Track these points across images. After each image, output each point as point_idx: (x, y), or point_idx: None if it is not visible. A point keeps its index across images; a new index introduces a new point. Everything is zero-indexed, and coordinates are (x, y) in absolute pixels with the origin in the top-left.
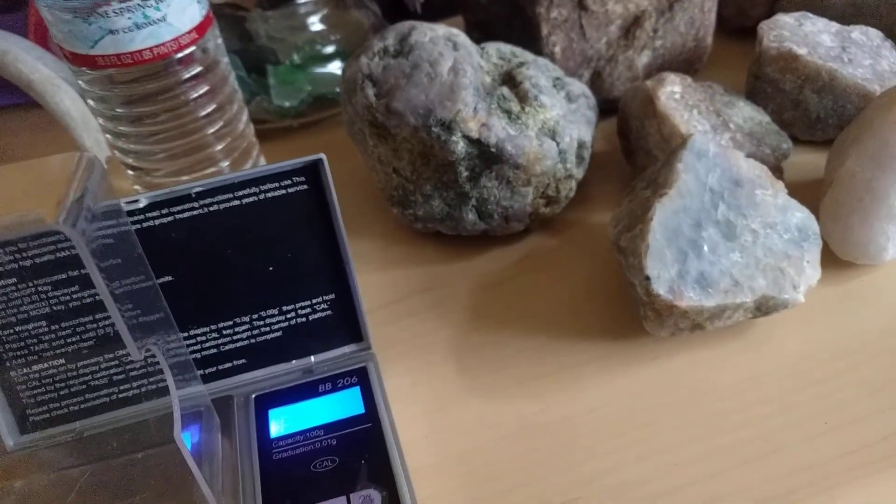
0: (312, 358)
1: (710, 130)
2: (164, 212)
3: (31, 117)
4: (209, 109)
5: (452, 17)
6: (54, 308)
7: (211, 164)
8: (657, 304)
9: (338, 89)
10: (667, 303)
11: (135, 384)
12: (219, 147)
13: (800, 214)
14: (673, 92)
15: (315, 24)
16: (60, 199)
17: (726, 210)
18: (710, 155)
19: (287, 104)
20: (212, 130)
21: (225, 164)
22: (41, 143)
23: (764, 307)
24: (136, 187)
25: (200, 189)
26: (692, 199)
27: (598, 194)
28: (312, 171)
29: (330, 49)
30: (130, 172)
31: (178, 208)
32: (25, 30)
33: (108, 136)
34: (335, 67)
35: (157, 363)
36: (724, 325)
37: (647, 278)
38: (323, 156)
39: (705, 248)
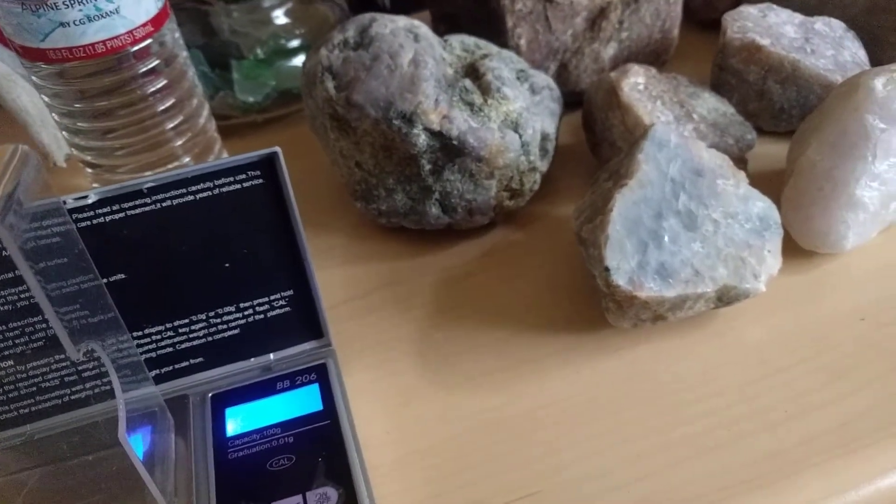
0: (272, 355)
1: (674, 121)
2: (114, 208)
3: None
4: (168, 104)
5: (421, 12)
6: (1, 308)
7: (172, 160)
8: (617, 296)
9: None
10: (627, 294)
11: (87, 385)
12: (179, 143)
13: (761, 204)
14: (636, 83)
15: (279, 17)
16: None
17: (687, 200)
18: (671, 145)
19: (251, 99)
20: (171, 126)
21: (186, 160)
22: (2, 137)
23: (725, 297)
24: (95, 185)
25: (152, 184)
26: (653, 190)
27: (564, 188)
28: (268, 165)
29: (295, 43)
30: (89, 170)
31: (130, 204)
32: None
33: (65, 133)
34: (299, 62)
35: (94, 353)
36: (685, 315)
37: (607, 269)
38: (278, 149)
39: (666, 238)
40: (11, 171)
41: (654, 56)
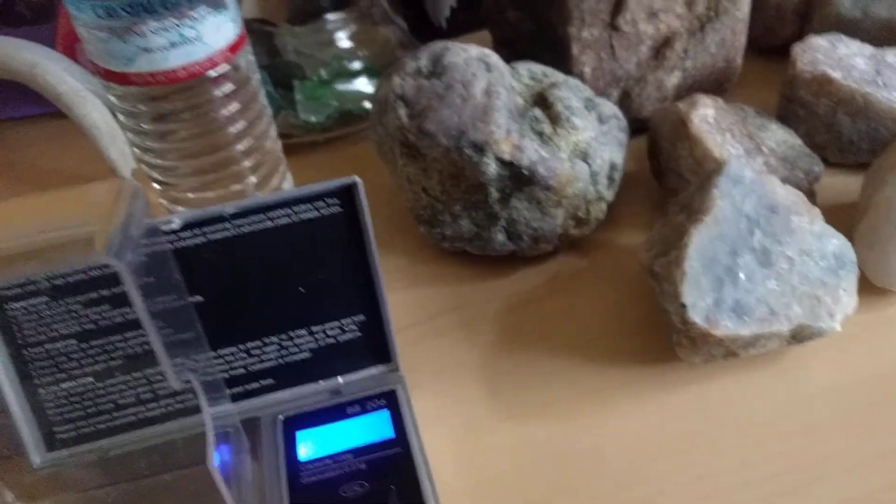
0: (340, 379)
1: (744, 154)
2: (196, 232)
3: (56, 127)
4: (239, 126)
5: (477, 32)
6: (84, 326)
7: (238, 179)
8: (692, 332)
9: (363, 105)
10: (702, 331)
11: (162, 403)
12: (247, 163)
13: (836, 242)
14: (706, 115)
15: (342, 40)
16: (105, 229)
17: (762, 237)
18: (746, 181)
19: (313, 119)
20: (241, 147)
21: (252, 179)
22: (68, 153)
23: (799, 336)
24: (162, 201)
25: (234, 210)
26: (728, 226)
27: (627, 215)
28: (347, 194)
29: (357, 65)
30: (157, 186)
31: (211, 228)
32: (53, 41)
33: (135, 149)
34: (361, 84)
35: (189, 384)
36: (758, 352)
37: (683, 306)
38: (358, 179)
39: (741, 275)
40: (123, 207)
41: (717, 84)
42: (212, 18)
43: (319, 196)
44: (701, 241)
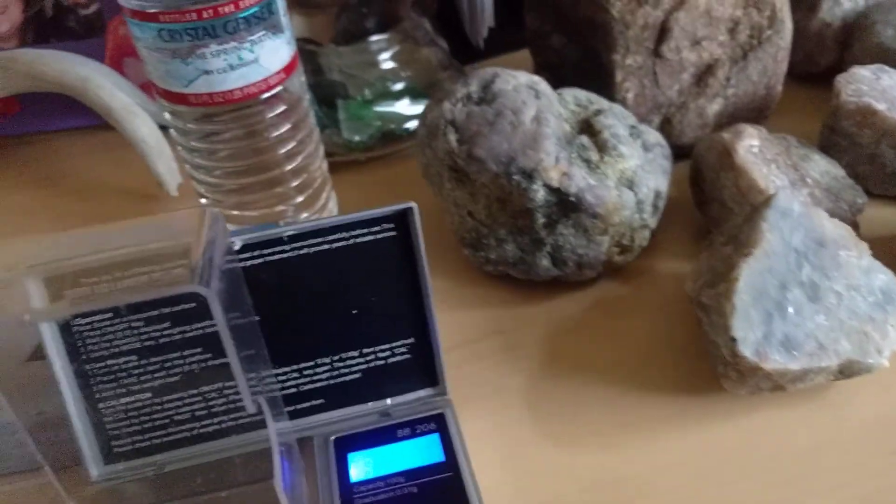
0: (388, 400)
1: (789, 185)
2: (255, 253)
3: (101, 139)
4: (289, 147)
5: (516, 53)
6: (144, 343)
7: (286, 199)
8: (741, 366)
9: (406, 125)
10: (752, 365)
11: (216, 420)
12: (294, 183)
13: (883, 277)
14: (751, 146)
15: (386, 61)
16: (191, 257)
17: (811, 271)
18: (794, 214)
19: (357, 138)
20: (289, 167)
21: (299, 199)
22: (114, 166)
23: (847, 371)
24: None
25: (293, 232)
26: (777, 260)
27: (668, 241)
28: (402, 219)
29: (399, 86)
30: (203, 201)
31: (269, 250)
32: (102, 55)
33: (186, 165)
34: (404, 104)
35: (241, 400)
36: (805, 386)
37: (734, 339)
38: (413, 204)
39: (790, 309)
40: (206, 235)
41: (757, 112)
42: (269, 42)
43: (376, 220)
44: (751, 275)
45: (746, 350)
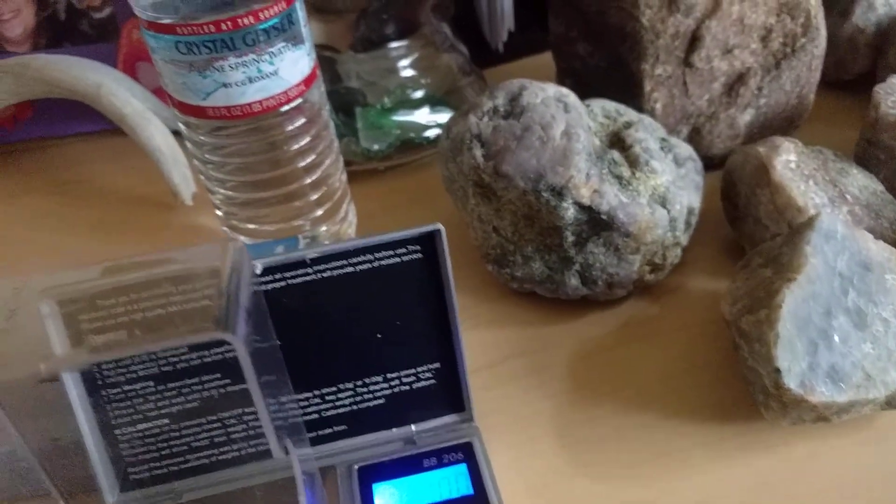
0: (413, 427)
1: (828, 203)
2: (277, 276)
3: (114, 145)
4: (309, 159)
5: (537, 56)
6: (162, 369)
7: (305, 212)
8: (785, 398)
9: (425, 134)
10: (797, 397)
11: (234, 447)
12: (314, 196)
13: None
14: (788, 161)
15: (406, 68)
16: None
17: (856, 297)
18: (838, 237)
19: (375, 147)
20: (308, 180)
21: (318, 212)
22: (127, 172)
23: (894, 402)
24: (224, 228)
25: (315, 255)
26: (821, 285)
27: (699, 258)
28: (428, 241)
29: (419, 94)
30: (219, 213)
31: (292, 273)
32: (115, 59)
33: (201, 176)
34: (423, 112)
35: (260, 426)
36: (850, 418)
37: (778, 370)
38: (440, 226)
39: (836, 338)
40: (230, 271)
41: (789, 121)
42: (290, 53)
43: (401, 242)
44: (794, 302)
45: (791, 382)
